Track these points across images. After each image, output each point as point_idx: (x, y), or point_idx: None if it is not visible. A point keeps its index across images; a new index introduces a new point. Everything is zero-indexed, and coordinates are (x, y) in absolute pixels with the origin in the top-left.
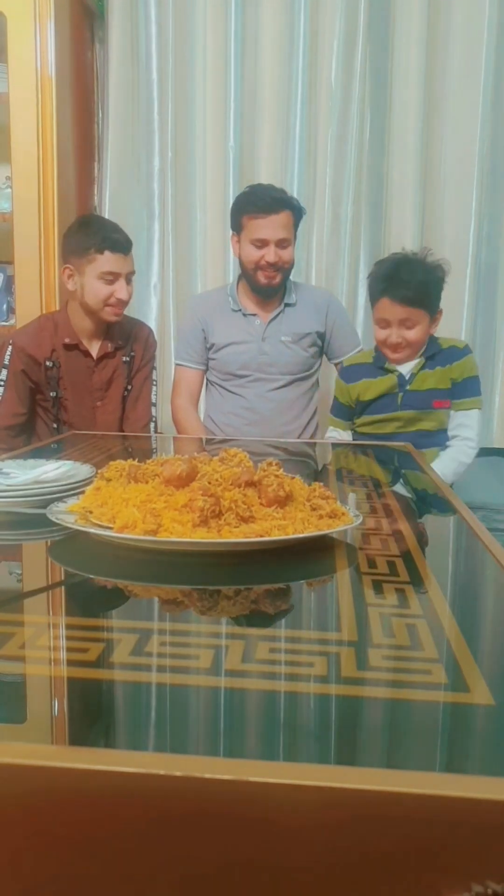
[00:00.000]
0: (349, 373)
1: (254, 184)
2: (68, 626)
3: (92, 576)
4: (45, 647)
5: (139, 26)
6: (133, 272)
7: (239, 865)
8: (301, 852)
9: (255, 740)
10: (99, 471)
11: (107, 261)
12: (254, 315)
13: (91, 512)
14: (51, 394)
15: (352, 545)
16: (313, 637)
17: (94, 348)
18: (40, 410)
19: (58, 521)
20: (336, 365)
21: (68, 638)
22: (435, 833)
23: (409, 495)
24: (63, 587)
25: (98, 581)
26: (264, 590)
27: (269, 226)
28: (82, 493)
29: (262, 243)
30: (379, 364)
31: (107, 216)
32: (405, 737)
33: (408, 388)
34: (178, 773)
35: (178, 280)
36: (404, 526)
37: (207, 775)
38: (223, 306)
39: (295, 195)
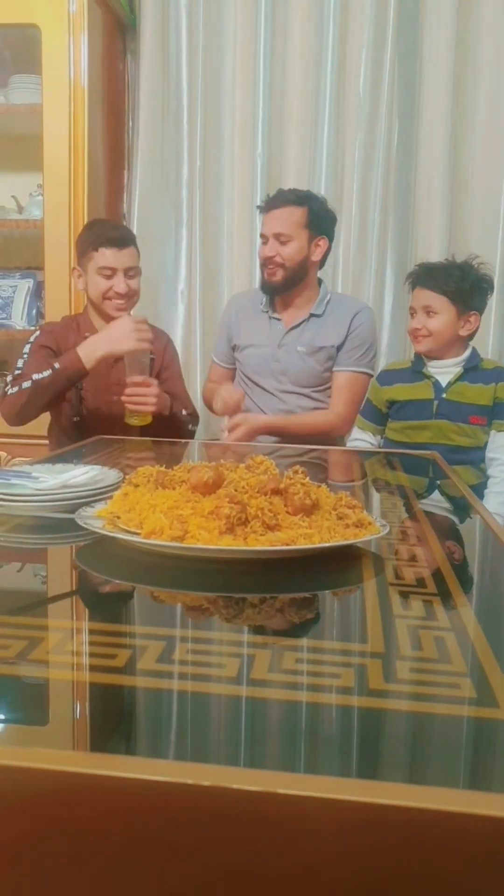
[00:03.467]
0: (385, 376)
1: None
2: (96, 632)
3: (119, 581)
4: (73, 653)
5: (170, 38)
6: (133, 267)
7: (264, 877)
8: (327, 866)
9: (283, 752)
10: (127, 476)
11: (102, 256)
12: (278, 319)
13: (119, 517)
14: (74, 419)
15: (378, 555)
16: (340, 648)
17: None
18: (63, 404)
19: (85, 526)
20: (333, 373)
21: (96, 644)
22: (462, 852)
23: (436, 505)
24: (90, 592)
25: (125, 586)
26: (290, 599)
27: (268, 221)
28: (110, 498)
29: (262, 240)
30: (416, 369)
31: (135, 224)
32: (433, 752)
33: (444, 396)
34: (206, 783)
35: (204, 287)
36: (431, 536)
37: (235, 786)
38: (255, 305)
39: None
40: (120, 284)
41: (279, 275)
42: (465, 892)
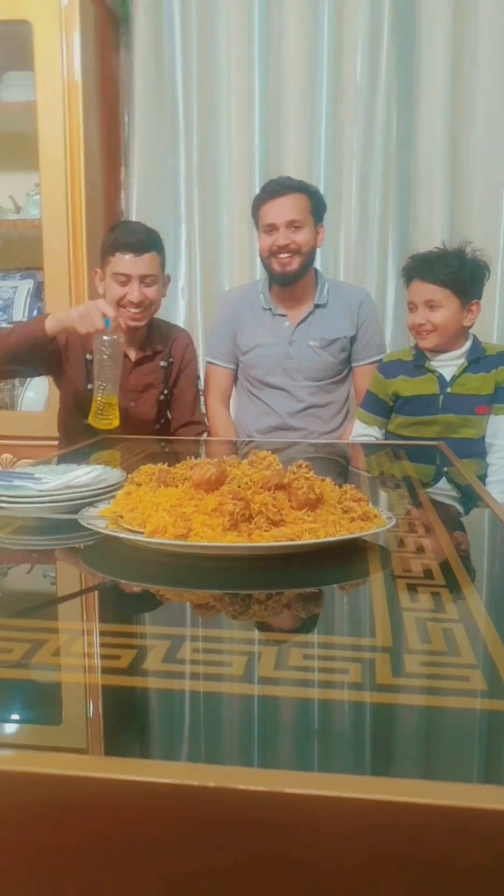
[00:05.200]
0: (388, 368)
1: None
2: (100, 633)
3: (123, 580)
4: (78, 654)
5: (163, 31)
6: (151, 275)
7: (273, 877)
8: (337, 864)
9: (290, 750)
10: (129, 475)
11: (118, 262)
12: (283, 316)
13: (122, 516)
14: (88, 385)
15: (385, 548)
16: (347, 643)
17: (132, 351)
18: (74, 407)
19: (89, 526)
20: (354, 369)
21: (101, 644)
22: (476, 847)
23: (442, 496)
24: (94, 592)
25: (129, 586)
26: (296, 594)
27: (276, 209)
28: (113, 497)
29: (271, 228)
30: (419, 363)
31: (134, 220)
32: (444, 746)
33: (449, 390)
34: (211, 784)
35: (204, 282)
36: (438, 528)
37: (241, 786)
38: (254, 304)
39: (322, 193)
40: (133, 293)
41: (296, 262)
42: (480, 888)
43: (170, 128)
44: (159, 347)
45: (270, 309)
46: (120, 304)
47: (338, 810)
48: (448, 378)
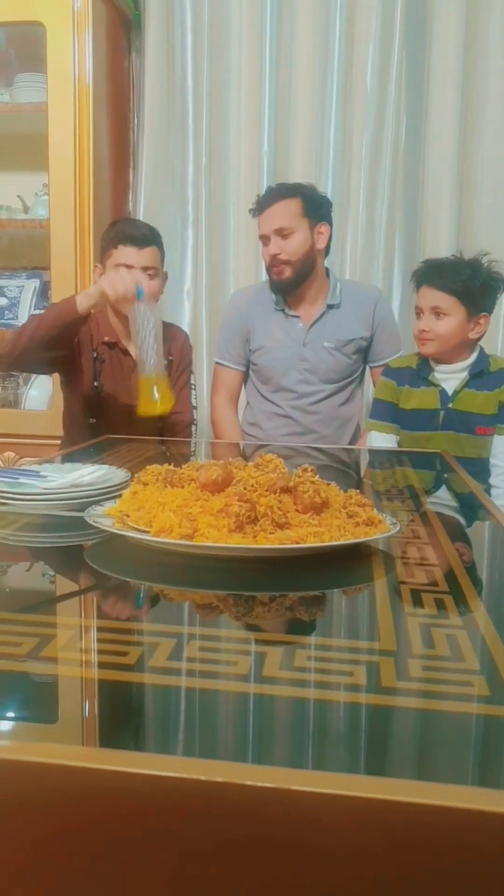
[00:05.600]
0: (395, 374)
1: None
2: (106, 630)
3: (129, 579)
4: (84, 651)
5: (175, 35)
6: (152, 268)
7: (277, 874)
8: (339, 862)
9: (295, 749)
10: (136, 475)
11: (121, 254)
12: (296, 317)
13: (128, 515)
14: (94, 383)
15: (389, 553)
16: (351, 646)
17: (134, 348)
18: (79, 408)
19: (95, 524)
20: (372, 369)
21: (107, 641)
22: (475, 849)
23: (446, 502)
24: (100, 590)
25: (135, 584)
26: (300, 597)
27: (264, 220)
28: (119, 496)
29: (264, 239)
30: (423, 374)
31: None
32: (445, 749)
33: (451, 406)
34: (218, 780)
35: (211, 286)
36: (442, 534)
37: (248, 782)
38: (266, 304)
39: (322, 192)
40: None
41: (288, 272)
42: (478, 889)
43: (179, 131)
44: None
45: (283, 310)
46: None
47: (343, 808)
48: (450, 392)
